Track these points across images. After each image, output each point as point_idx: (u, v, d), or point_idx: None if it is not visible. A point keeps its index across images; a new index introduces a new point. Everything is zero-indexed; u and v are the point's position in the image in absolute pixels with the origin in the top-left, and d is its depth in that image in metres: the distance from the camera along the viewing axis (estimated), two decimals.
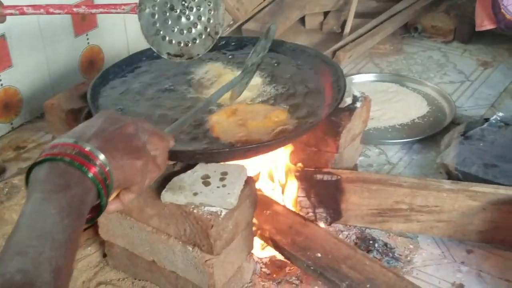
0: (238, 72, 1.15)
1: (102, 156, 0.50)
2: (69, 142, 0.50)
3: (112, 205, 0.57)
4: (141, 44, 1.17)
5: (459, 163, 1.20)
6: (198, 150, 0.91)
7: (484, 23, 1.59)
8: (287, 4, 2.03)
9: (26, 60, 1.46)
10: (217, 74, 1.15)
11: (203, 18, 0.98)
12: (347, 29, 1.90)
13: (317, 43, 1.97)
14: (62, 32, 1.52)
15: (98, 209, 0.52)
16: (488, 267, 1.05)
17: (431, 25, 1.93)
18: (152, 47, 0.95)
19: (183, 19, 0.96)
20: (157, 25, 0.94)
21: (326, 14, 2.06)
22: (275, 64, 1.18)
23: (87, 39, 1.60)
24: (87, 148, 0.50)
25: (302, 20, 2.07)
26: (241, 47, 1.23)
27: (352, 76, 1.69)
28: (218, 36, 1.00)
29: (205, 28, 0.98)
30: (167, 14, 0.95)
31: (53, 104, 1.09)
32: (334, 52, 1.76)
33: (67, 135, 0.52)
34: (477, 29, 1.64)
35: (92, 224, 0.52)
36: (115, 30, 1.66)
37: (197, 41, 0.99)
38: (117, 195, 0.57)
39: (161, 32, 0.95)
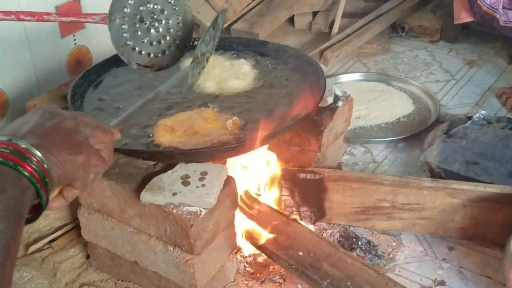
0: (227, 63, 1.16)
1: (38, 153, 0.48)
2: (3, 140, 0.47)
3: (55, 203, 0.54)
4: None
5: (441, 161, 1.21)
6: (177, 150, 0.92)
7: (462, 16, 1.60)
8: (276, 4, 2.03)
9: (12, 61, 1.46)
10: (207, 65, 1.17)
11: (172, 31, 0.98)
12: (335, 29, 1.90)
13: (306, 43, 1.97)
14: (48, 33, 1.52)
15: (38, 208, 0.49)
16: (469, 263, 1.06)
17: (418, 25, 1.94)
18: (122, 57, 0.96)
19: (153, 31, 0.97)
20: (127, 35, 0.95)
21: (315, 14, 2.07)
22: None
23: (74, 39, 1.60)
24: (23, 145, 0.47)
25: (291, 20, 2.08)
26: (224, 47, 1.23)
27: (339, 76, 1.70)
28: (188, 48, 1.01)
29: (174, 41, 0.99)
30: (137, 25, 0.96)
31: (35, 104, 1.10)
32: (322, 52, 1.77)
33: (1, 133, 0.49)
34: (455, 22, 1.65)
35: (33, 222, 0.50)
36: (103, 30, 1.65)
37: (167, 53, 0.99)
38: (60, 192, 0.55)
39: (131, 43, 0.96)
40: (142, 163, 0.96)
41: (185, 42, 1.00)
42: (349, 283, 0.93)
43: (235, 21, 1.98)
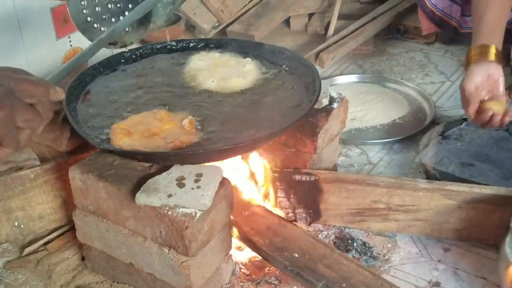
0: (232, 61, 1.16)
1: None
2: None
3: None
4: None
5: (436, 162, 1.21)
6: (172, 152, 0.92)
7: (425, 28, 1.62)
8: (272, 6, 2.04)
9: (7, 63, 1.45)
10: (212, 63, 1.17)
11: (133, 6, 0.94)
12: (331, 30, 1.91)
13: (302, 45, 1.98)
14: (43, 34, 1.52)
15: None
16: (464, 265, 1.06)
17: (414, 27, 1.94)
18: (83, 35, 0.92)
19: (113, 6, 0.93)
20: (87, 12, 0.92)
21: (310, 16, 2.07)
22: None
23: (70, 41, 1.60)
24: None
25: (287, 22, 2.08)
26: (220, 48, 1.23)
27: (335, 77, 1.71)
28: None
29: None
30: (96, 1, 0.92)
31: None
32: (318, 54, 1.78)
33: None
34: (423, 33, 1.68)
35: None
36: None
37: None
38: None
39: (91, 19, 0.92)
40: (137, 165, 0.95)
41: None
42: (344, 285, 0.93)
43: (231, 23, 1.98)
